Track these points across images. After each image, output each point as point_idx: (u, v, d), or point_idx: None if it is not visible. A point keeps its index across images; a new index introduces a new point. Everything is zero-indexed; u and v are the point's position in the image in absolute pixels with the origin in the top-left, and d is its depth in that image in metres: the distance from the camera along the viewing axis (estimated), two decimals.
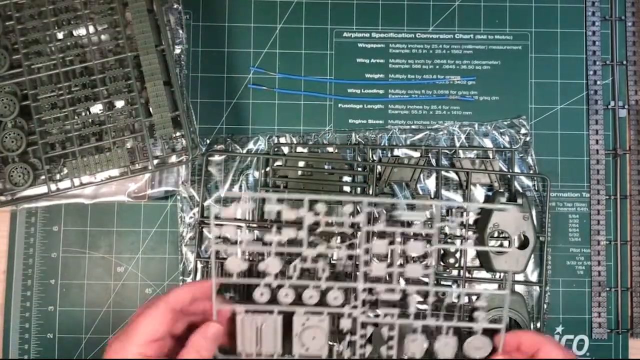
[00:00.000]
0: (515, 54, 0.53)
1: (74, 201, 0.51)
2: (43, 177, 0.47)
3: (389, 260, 0.47)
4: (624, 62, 0.53)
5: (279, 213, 0.41)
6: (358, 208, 0.49)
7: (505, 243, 0.50)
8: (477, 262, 0.50)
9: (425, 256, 0.48)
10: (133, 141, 0.48)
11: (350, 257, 0.45)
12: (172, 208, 0.52)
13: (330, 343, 0.44)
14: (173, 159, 0.49)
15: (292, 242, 0.41)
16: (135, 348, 0.37)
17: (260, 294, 0.42)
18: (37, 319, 0.51)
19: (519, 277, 0.50)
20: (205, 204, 0.51)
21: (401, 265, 0.42)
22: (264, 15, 0.53)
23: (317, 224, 0.41)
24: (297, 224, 0.41)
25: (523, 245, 0.49)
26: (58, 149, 0.47)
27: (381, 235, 0.44)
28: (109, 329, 0.51)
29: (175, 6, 0.51)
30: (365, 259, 0.42)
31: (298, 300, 0.43)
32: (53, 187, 0.48)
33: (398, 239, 0.41)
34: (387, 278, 0.43)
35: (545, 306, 0.50)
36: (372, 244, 0.41)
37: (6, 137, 0.47)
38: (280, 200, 0.40)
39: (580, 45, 0.53)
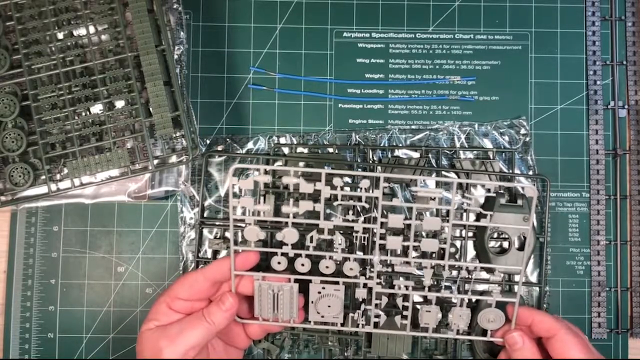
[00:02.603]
0: (515, 54, 0.53)
1: (74, 201, 0.51)
2: (43, 177, 0.47)
3: (405, 235, 0.48)
4: (624, 62, 0.53)
5: (296, 185, 0.42)
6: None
7: (505, 244, 0.50)
8: (476, 263, 0.50)
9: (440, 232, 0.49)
10: (133, 141, 0.48)
11: (366, 231, 0.46)
12: (172, 208, 0.52)
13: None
14: (173, 159, 0.49)
15: (309, 215, 0.43)
16: (180, 303, 0.43)
17: (278, 263, 0.44)
18: (38, 319, 0.51)
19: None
20: (206, 203, 0.51)
21: (416, 240, 0.43)
22: (264, 15, 0.53)
23: (334, 197, 0.42)
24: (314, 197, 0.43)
25: (523, 246, 0.49)
26: (58, 149, 0.47)
27: (397, 210, 0.45)
28: (110, 329, 0.51)
29: (175, 6, 0.51)
30: (382, 233, 0.43)
31: (314, 270, 0.44)
32: (53, 187, 0.48)
33: (414, 214, 0.43)
34: (403, 251, 0.44)
35: (545, 306, 0.50)
36: (388, 218, 0.43)
37: (6, 137, 0.47)
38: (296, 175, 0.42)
39: (580, 45, 0.53)
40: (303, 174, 0.44)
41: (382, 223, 0.43)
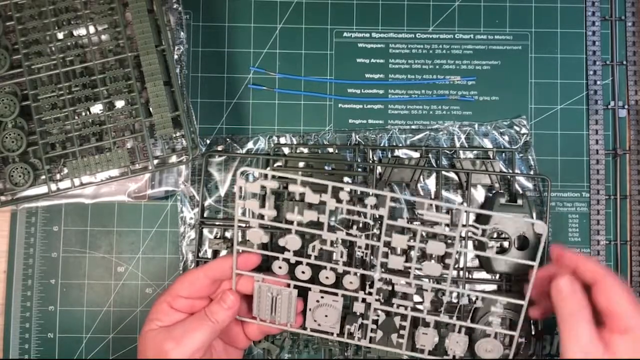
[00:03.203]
0: (515, 54, 0.53)
1: (74, 201, 0.51)
2: (43, 177, 0.47)
3: (407, 255, 0.47)
4: (624, 62, 0.53)
5: (302, 195, 0.42)
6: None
7: (505, 244, 0.50)
8: (476, 263, 0.50)
9: (443, 256, 0.48)
10: (133, 141, 0.48)
11: (368, 247, 0.46)
12: (172, 208, 0.52)
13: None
14: (173, 159, 0.49)
15: (312, 224, 0.43)
16: (181, 301, 0.43)
17: (279, 267, 0.44)
18: (38, 319, 0.51)
19: None
20: (206, 203, 0.51)
21: (419, 262, 0.43)
22: (264, 15, 0.53)
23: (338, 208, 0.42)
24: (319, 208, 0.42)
25: (523, 246, 0.49)
26: (58, 149, 0.47)
27: (402, 230, 0.45)
28: (110, 329, 0.51)
29: (175, 6, 0.51)
30: (385, 251, 0.43)
31: (314, 278, 0.44)
32: (53, 187, 0.48)
33: (418, 237, 0.42)
34: (404, 272, 0.44)
35: None
36: (393, 238, 0.42)
37: (6, 137, 0.47)
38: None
39: (580, 45, 0.53)
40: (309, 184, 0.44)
41: (385, 242, 0.43)
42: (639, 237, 0.52)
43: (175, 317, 0.42)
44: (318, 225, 0.42)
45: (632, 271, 0.52)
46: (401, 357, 0.49)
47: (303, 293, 0.45)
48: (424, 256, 0.49)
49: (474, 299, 0.47)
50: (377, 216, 0.43)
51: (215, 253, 0.51)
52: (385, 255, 0.43)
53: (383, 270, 0.44)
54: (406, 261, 0.43)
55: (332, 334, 0.46)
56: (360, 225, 0.47)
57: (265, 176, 0.41)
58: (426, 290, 0.44)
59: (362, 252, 0.46)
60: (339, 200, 0.41)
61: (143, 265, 0.52)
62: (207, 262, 0.44)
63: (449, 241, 0.47)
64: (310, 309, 0.45)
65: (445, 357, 0.45)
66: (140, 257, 0.52)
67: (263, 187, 0.42)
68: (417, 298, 0.48)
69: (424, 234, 0.43)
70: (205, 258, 0.51)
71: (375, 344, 0.46)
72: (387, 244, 0.43)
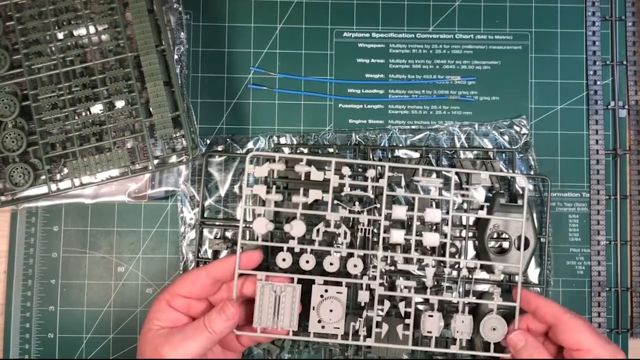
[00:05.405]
0: (515, 54, 0.53)
1: (75, 201, 0.51)
2: (43, 177, 0.47)
3: (407, 228, 0.48)
4: (624, 62, 0.53)
5: (307, 174, 0.44)
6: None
7: (505, 244, 0.50)
8: (477, 260, 0.50)
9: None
10: (133, 141, 0.48)
11: (370, 223, 0.47)
12: (172, 208, 0.52)
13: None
14: (173, 159, 0.49)
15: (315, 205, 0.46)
16: (178, 299, 0.43)
17: (282, 260, 0.44)
18: (38, 319, 0.51)
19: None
20: (206, 203, 0.51)
21: (419, 234, 0.45)
22: (264, 15, 0.53)
23: (341, 187, 0.45)
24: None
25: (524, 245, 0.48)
26: (58, 149, 0.47)
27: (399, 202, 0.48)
28: (110, 329, 0.51)
29: (175, 6, 0.51)
30: (385, 225, 0.44)
31: (319, 267, 0.45)
32: (53, 187, 0.48)
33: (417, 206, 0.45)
34: (405, 247, 0.46)
35: None
36: (392, 210, 0.44)
37: (7, 137, 0.47)
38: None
39: (580, 45, 0.53)
40: (313, 163, 0.45)
41: (385, 215, 0.44)
42: (639, 237, 0.52)
43: (173, 316, 0.42)
44: (321, 209, 0.44)
45: (632, 271, 0.52)
46: (401, 357, 0.49)
47: (306, 295, 0.44)
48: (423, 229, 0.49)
49: (472, 269, 0.49)
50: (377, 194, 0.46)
51: (216, 253, 0.51)
52: (387, 230, 0.44)
53: (386, 244, 0.45)
54: (407, 235, 0.45)
55: (336, 336, 0.45)
56: (363, 200, 0.48)
57: (273, 160, 0.44)
58: (427, 265, 0.45)
59: (364, 229, 0.47)
60: (341, 177, 0.44)
61: (143, 266, 0.52)
62: (210, 262, 0.44)
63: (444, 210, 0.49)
64: (314, 307, 0.44)
65: (450, 350, 0.45)
66: (141, 257, 0.52)
67: (271, 173, 0.43)
68: (418, 298, 0.48)
69: (423, 191, 0.46)
70: (206, 258, 0.51)
71: (380, 341, 0.46)
72: (387, 218, 0.44)
